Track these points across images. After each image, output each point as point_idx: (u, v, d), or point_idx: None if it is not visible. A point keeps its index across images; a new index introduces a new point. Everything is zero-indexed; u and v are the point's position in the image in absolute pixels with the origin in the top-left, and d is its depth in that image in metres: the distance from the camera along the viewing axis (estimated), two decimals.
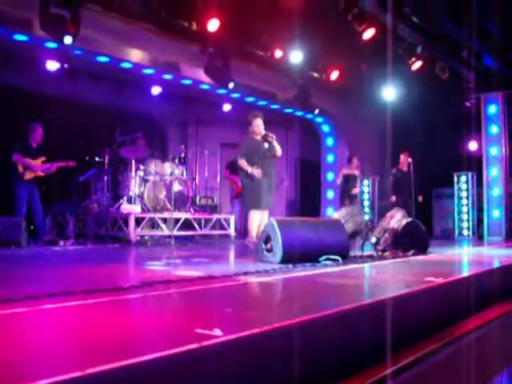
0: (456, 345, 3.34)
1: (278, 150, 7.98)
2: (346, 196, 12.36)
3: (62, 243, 8.70)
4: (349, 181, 12.38)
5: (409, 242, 7.38)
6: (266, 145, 7.85)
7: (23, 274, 5.00)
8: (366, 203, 14.42)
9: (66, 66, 10.49)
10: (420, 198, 11.89)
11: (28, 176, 8.91)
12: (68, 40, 7.82)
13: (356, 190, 12.41)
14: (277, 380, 2.36)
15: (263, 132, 7.89)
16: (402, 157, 12.10)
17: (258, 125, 7.88)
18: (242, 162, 7.74)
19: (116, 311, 3.09)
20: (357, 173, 12.47)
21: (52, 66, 10.04)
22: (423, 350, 3.08)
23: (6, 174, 8.91)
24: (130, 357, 1.84)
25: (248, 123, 7.96)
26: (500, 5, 10.65)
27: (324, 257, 5.86)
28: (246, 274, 4.75)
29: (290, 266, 5.48)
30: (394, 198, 11.79)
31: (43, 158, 9.09)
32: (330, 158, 14.97)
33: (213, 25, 9.17)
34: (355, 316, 2.94)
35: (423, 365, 2.95)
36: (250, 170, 7.68)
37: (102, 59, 9.37)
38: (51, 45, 8.41)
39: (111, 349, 2.09)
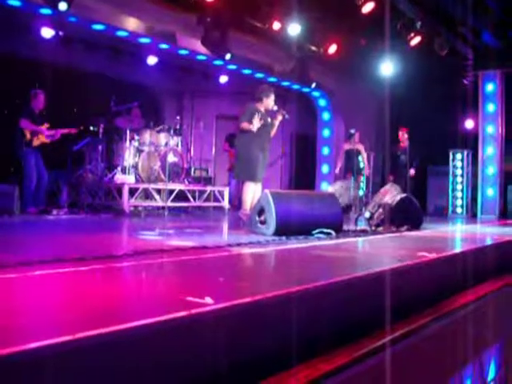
0: (448, 319, 3.36)
1: (274, 131, 7.94)
2: (347, 170, 12.31)
3: (55, 212, 8.66)
4: (350, 156, 12.33)
5: (402, 217, 7.39)
6: (269, 119, 7.79)
7: (15, 242, 4.98)
8: (361, 178, 14.40)
9: (60, 33, 10.33)
10: (412, 172, 11.85)
11: (36, 142, 8.79)
12: (63, 6, 7.69)
13: (364, 166, 12.38)
14: (269, 349, 2.36)
15: (275, 107, 7.83)
16: (400, 133, 12.02)
17: (272, 99, 7.81)
18: (244, 124, 7.52)
19: (108, 279, 3.09)
20: (359, 147, 12.38)
21: (47, 33, 9.88)
22: (415, 323, 3.09)
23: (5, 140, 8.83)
24: (120, 322, 1.83)
25: (258, 96, 7.79)
26: None
27: (317, 230, 5.86)
28: (238, 245, 4.75)
29: (284, 238, 5.49)
30: (391, 177, 11.77)
31: (47, 125, 8.98)
32: (326, 133, 14.92)
33: None
34: (347, 288, 2.94)
35: (415, 338, 2.96)
36: (251, 125, 7.49)
37: (98, 27, 9.23)
38: (45, 11, 8.28)
39: (101, 314, 2.08)
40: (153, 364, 1.89)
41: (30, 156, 8.74)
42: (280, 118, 7.85)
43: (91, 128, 10.59)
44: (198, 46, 10.16)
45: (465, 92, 13.24)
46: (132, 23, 9.50)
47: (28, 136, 8.71)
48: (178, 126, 11.56)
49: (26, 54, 10.48)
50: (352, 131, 12.50)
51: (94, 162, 10.48)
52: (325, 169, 14.76)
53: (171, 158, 10.66)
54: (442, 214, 13.81)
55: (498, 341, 3.53)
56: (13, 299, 2.40)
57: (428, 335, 3.18)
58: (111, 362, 1.77)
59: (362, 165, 12.35)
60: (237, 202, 11.35)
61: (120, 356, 1.80)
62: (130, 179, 10.03)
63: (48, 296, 2.50)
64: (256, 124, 7.44)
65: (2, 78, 9.90)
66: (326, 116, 14.93)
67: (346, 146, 12.44)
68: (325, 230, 5.90)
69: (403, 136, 11.95)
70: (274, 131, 7.94)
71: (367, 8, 9.99)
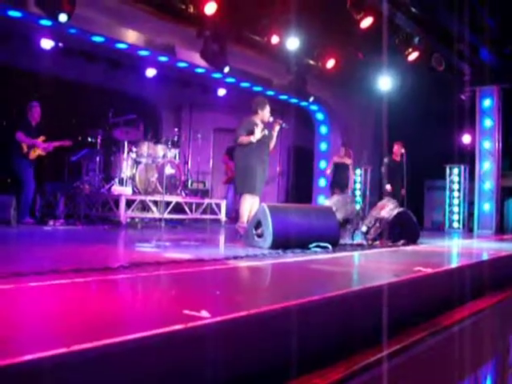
0: (443, 334, 3.35)
1: (273, 142, 7.94)
2: (335, 185, 12.36)
3: (51, 223, 8.67)
4: (338, 169, 12.38)
5: (399, 232, 7.39)
6: (266, 131, 7.79)
7: (11, 252, 4.97)
8: (358, 192, 14.43)
9: (60, 44, 10.40)
10: (403, 191, 11.82)
11: (32, 155, 8.82)
12: (63, 18, 7.73)
13: (349, 180, 12.43)
14: (262, 364, 2.36)
15: (271, 118, 7.84)
16: (395, 147, 12.06)
17: (268, 111, 7.83)
18: (243, 139, 7.54)
19: (104, 291, 3.08)
20: (347, 161, 12.46)
21: (46, 44, 9.94)
22: (411, 338, 3.08)
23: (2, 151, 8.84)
24: (115, 335, 1.83)
25: (254, 108, 7.81)
26: None
27: (314, 244, 5.85)
28: (235, 258, 4.74)
29: (280, 251, 5.48)
30: (388, 187, 11.76)
31: (43, 138, 9.00)
32: (324, 146, 14.96)
33: (210, 8, 9.09)
34: (343, 302, 2.93)
35: (410, 353, 2.95)
36: (251, 137, 7.48)
37: (97, 39, 9.27)
38: (46, 22, 8.31)
39: (97, 327, 2.07)
40: (148, 377, 1.88)
41: (27, 167, 8.75)
42: (277, 127, 7.86)
43: (89, 139, 10.61)
44: (197, 58, 10.20)
45: (462, 107, 13.29)
46: (131, 35, 9.54)
47: (25, 149, 8.73)
48: (175, 138, 11.58)
49: (26, 64, 10.52)
50: (341, 145, 12.64)
51: (91, 174, 10.49)
52: (322, 182, 14.78)
53: (168, 170, 10.67)
54: (439, 229, 13.82)
55: (494, 356, 3.53)
56: (7, 311, 2.39)
57: (424, 350, 3.17)
58: (106, 374, 1.76)
59: (348, 180, 12.43)
60: (234, 214, 11.36)
61: (115, 369, 1.79)
62: (127, 191, 10.03)
63: (43, 308, 2.49)
64: (257, 135, 7.45)
65: (0, 88, 9.91)
66: (323, 130, 14.97)
67: (335, 159, 12.52)
68: (321, 244, 5.89)
69: (399, 150, 11.97)
70: (273, 143, 7.94)
71: (366, 23, 10.05)
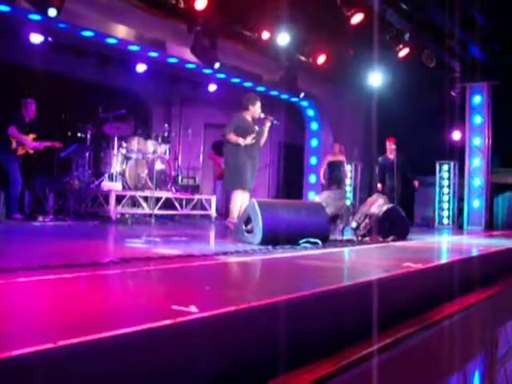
0: (434, 329, 3.36)
1: (264, 138, 7.95)
2: (332, 182, 12.36)
3: (40, 218, 8.62)
4: (333, 167, 12.40)
5: (389, 227, 7.40)
6: (257, 127, 7.79)
7: None
8: (348, 188, 14.45)
9: (50, 39, 10.33)
10: (416, 184, 11.89)
11: (20, 152, 8.78)
12: (52, 12, 7.68)
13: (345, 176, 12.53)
14: (251, 358, 2.35)
15: (262, 114, 7.84)
16: (387, 143, 11.99)
17: (259, 107, 7.84)
18: (231, 136, 7.59)
19: (93, 286, 3.07)
20: (341, 158, 12.50)
21: (36, 38, 9.87)
22: (401, 333, 3.09)
23: None
24: (103, 330, 1.82)
25: (245, 104, 7.84)
26: None
27: (304, 240, 5.86)
28: (225, 253, 4.74)
29: (270, 247, 5.48)
30: (379, 186, 11.77)
31: (33, 136, 8.95)
32: (314, 143, 14.96)
33: (200, 3, 9.07)
34: (332, 298, 2.94)
35: (401, 347, 2.96)
36: (241, 140, 7.56)
37: (87, 34, 9.21)
38: (35, 17, 8.25)
39: (85, 322, 2.07)
40: (136, 372, 1.88)
41: (14, 163, 8.70)
42: (268, 124, 7.87)
43: (79, 134, 10.56)
44: (188, 54, 10.17)
45: (452, 104, 13.34)
46: (121, 30, 9.50)
47: (14, 144, 8.69)
48: (166, 134, 11.56)
49: (15, 59, 10.44)
50: (333, 142, 12.65)
51: (81, 169, 10.44)
52: (312, 178, 14.79)
53: (159, 166, 10.65)
54: (429, 225, 13.87)
55: (482, 351, 3.55)
56: None
57: (414, 345, 3.18)
58: (93, 370, 1.75)
59: (344, 176, 12.47)
60: (224, 210, 11.35)
61: (103, 364, 1.79)
62: (117, 186, 10.00)
63: (31, 303, 2.48)
64: (248, 140, 7.51)
65: None
66: (314, 126, 14.97)
67: (330, 158, 12.52)
68: (311, 240, 5.90)
69: (390, 146, 11.94)
70: (263, 139, 7.96)
71: (356, 19, 10.06)
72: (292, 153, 15.73)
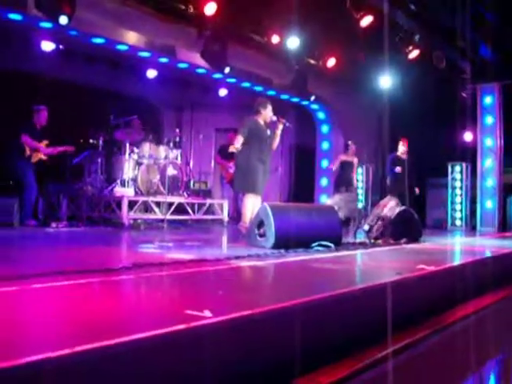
0: (448, 331, 3.35)
1: (276, 142, 7.95)
2: (341, 183, 12.32)
3: (54, 225, 8.66)
4: (345, 167, 12.34)
5: (402, 230, 7.38)
6: (269, 131, 7.80)
7: (14, 254, 4.97)
8: (360, 191, 14.41)
9: (61, 46, 10.39)
10: (417, 190, 11.81)
11: (35, 159, 8.85)
12: (63, 20, 7.73)
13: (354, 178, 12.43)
14: (268, 362, 2.36)
15: (274, 117, 7.85)
16: (401, 142, 11.84)
17: (270, 110, 7.85)
18: (238, 139, 7.63)
19: (106, 292, 3.08)
20: (354, 160, 12.45)
21: (47, 46, 9.93)
22: (415, 335, 3.08)
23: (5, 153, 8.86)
24: (118, 336, 1.83)
25: (256, 108, 7.84)
26: None
27: (316, 243, 5.85)
28: (237, 258, 4.74)
29: (283, 251, 5.48)
30: (388, 181, 11.71)
31: (46, 142, 9.02)
32: (325, 145, 14.93)
33: (210, 8, 9.10)
34: (347, 301, 2.93)
35: (415, 350, 2.95)
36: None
37: (98, 41, 9.27)
38: (46, 24, 8.31)
39: (100, 328, 2.08)
40: (151, 377, 1.89)
41: (29, 170, 8.77)
42: (281, 126, 7.87)
43: (90, 141, 10.59)
44: (198, 59, 10.20)
45: (463, 105, 13.28)
46: (132, 37, 9.54)
47: (28, 152, 8.76)
48: (177, 139, 11.57)
49: (26, 67, 10.50)
50: (349, 143, 12.53)
51: (93, 175, 10.48)
52: (324, 182, 14.75)
53: (170, 171, 10.66)
54: (441, 227, 13.79)
55: (498, 354, 3.52)
56: (11, 312, 2.39)
57: (428, 347, 3.17)
58: (109, 375, 1.76)
59: (355, 177, 12.41)
60: (235, 214, 11.35)
61: (119, 369, 1.80)
62: (129, 192, 10.03)
63: (46, 309, 2.50)
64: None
65: (1, 91, 9.91)
66: (324, 129, 14.95)
67: (343, 157, 12.45)
68: (324, 243, 5.89)
69: (404, 147, 11.81)
70: (276, 142, 7.95)
71: (366, 21, 10.06)
72: (303, 156, 15.69)
